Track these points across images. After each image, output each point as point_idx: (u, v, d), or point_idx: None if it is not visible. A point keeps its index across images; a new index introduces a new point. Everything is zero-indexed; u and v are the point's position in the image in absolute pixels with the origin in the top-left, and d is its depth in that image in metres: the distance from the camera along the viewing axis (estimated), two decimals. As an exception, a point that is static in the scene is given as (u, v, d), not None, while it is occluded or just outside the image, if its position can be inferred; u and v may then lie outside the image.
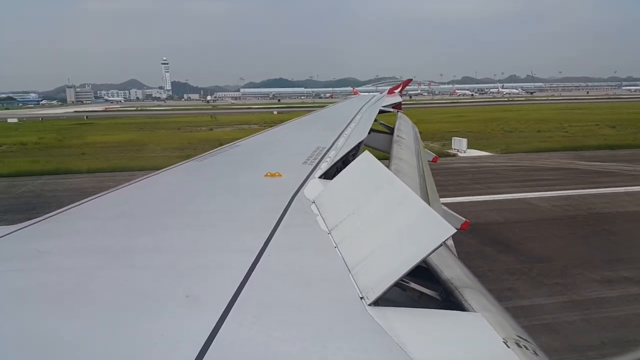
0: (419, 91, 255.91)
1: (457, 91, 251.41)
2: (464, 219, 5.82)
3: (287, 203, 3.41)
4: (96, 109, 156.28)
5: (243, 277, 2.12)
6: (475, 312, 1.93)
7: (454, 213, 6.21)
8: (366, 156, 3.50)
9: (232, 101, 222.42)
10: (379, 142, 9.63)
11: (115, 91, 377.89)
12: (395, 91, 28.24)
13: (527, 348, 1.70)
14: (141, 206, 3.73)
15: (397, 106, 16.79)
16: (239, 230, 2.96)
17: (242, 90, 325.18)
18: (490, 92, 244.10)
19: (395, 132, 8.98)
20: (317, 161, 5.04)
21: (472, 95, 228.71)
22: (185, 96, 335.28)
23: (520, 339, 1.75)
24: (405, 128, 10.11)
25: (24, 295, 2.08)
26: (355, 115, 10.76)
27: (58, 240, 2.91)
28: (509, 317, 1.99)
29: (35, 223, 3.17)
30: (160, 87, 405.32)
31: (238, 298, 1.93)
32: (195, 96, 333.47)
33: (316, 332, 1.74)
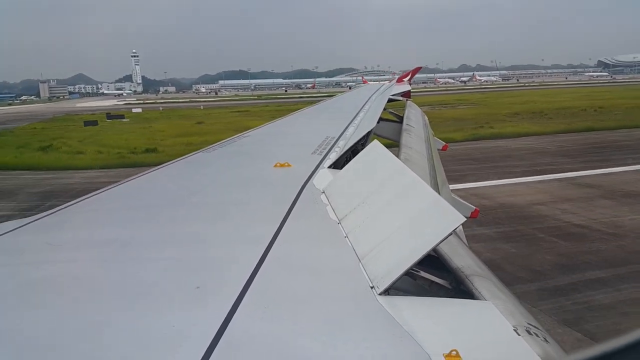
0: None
1: (478, 78, 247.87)
2: (473, 207, 5.77)
3: (296, 193, 3.40)
4: (158, 101, 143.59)
5: (253, 268, 2.13)
6: (485, 300, 1.94)
7: (464, 201, 6.15)
8: (375, 145, 3.50)
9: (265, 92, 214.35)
10: (389, 131, 9.48)
11: (75, 86, 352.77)
12: (405, 79, 27.66)
13: (537, 335, 1.70)
14: (151, 198, 3.75)
15: (406, 94, 16.52)
16: (248, 221, 2.97)
17: (251, 82, 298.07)
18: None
19: (405, 121, 8.89)
20: (326, 151, 5.01)
21: (509, 80, 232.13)
22: (162, 89, 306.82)
23: (531, 327, 1.75)
24: (414, 116, 10.02)
25: (35, 288, 2.11)
26: (364, 105, 10.69)
27: (69, 233, 2.94)
28: (520, 304, 2.00)
29: (46, 216, 3.20)
30: (118, 82, 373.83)
31: (249, 289, 1.95)
32: (172, 89, 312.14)
33: (327, 322, 1.75)
